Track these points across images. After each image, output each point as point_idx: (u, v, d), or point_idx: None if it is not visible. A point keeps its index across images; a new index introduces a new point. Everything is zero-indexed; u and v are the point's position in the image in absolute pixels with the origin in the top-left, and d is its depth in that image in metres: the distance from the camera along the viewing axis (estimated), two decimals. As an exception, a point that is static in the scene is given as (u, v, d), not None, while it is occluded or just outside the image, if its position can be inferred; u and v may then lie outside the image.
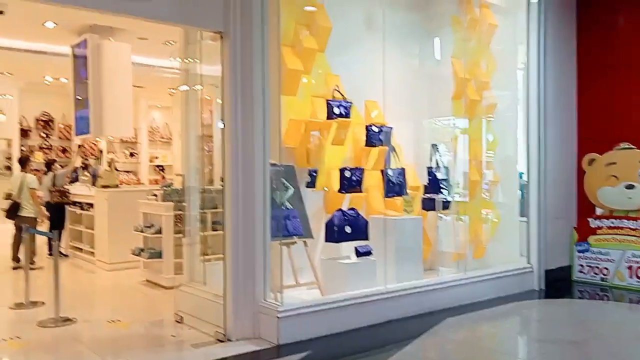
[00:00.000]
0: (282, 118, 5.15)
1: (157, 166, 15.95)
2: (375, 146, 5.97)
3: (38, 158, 13.33)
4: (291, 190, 5.39)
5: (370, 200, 6.10)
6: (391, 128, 6.15)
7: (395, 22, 6.53)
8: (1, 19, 7.32)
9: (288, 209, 5.31)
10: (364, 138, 5.94)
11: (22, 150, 13.57)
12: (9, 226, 8.61)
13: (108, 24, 8.16)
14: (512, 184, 7.06)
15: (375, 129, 5.95)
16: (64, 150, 14.71)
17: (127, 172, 15.00)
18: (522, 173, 6.96)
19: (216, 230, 5.73)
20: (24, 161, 8.81)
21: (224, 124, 4.71)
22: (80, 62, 8.73)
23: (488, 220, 7.00)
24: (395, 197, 6.03)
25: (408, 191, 6.16)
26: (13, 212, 8.24)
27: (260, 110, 4.73)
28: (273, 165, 4.87)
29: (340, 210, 5.52)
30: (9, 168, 13.29)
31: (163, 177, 14.68)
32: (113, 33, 8.57)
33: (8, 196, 8.45)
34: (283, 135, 5.36)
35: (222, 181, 4.82)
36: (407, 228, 5.95)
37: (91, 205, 8.98)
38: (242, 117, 4.70)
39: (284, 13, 5.14)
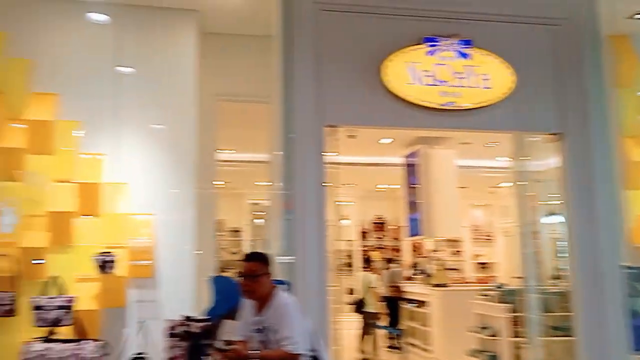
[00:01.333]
0: (628, 214, 4.72)
1: (480, 263, 15.94)
2: None
3: (375, 257, 14.88)
4: (650, 296, 4.74)
5: None
6: None
7: None
8: (351, 141, 8.77)
9: (647, 317, 4.65)
10: None
11: (363, 250, 15.37)
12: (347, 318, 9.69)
13: (436, 135, 8.94)
14: None
15: None
16: (394, 249, 16.08)
17: (451, 269, 15.37)
18: None
19: (555, 336, 5.38)
20: (366, 261, 9.98)
21: (566, 221, 4.58)
22: (410, 170, 9.72)
23: None
24: None
25: None
26: (359, 307, 9.30)
27: (604, 207, 4.47)
28: (625, 267, 4.43)
29: None
30: (349, 265, 15.14)
31: (492, 276, 14.52)
32: (439, 141, 9.31)
33: (350, 291, 9.61)
34: (631, 233, 4.86)
35: (554, 280, 4.60)
36: None
37: (423, 302, 9.47)
38: (584, 215, 4.51)
39: (622, 104, 4.87)
